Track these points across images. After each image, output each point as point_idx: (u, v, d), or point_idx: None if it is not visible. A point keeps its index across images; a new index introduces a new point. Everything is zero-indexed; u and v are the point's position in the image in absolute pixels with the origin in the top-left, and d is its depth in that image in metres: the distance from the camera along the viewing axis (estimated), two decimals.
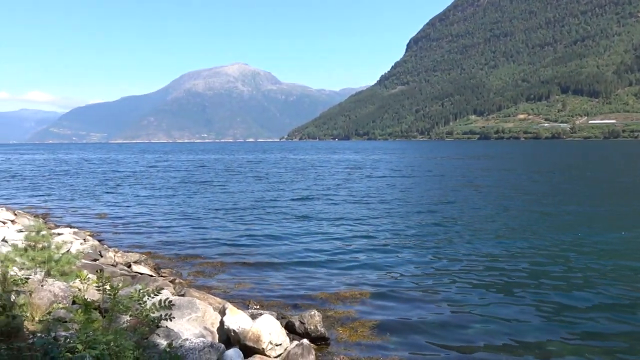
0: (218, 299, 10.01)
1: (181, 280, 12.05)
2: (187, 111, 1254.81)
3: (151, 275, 12.24)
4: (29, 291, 6.56)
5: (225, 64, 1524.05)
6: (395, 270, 12.97)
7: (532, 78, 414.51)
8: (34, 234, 9.30)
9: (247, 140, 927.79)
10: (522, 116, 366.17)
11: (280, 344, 7.36)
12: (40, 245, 9.23)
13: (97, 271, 10.84)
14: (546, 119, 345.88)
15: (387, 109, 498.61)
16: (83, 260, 11.14)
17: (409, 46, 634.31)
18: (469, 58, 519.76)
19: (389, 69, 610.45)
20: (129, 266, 13.14)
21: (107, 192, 33.89)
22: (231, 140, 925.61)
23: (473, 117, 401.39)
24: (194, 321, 7.59)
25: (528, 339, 8.61)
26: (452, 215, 21.77)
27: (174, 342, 6.12)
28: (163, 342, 6.09)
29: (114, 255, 13.96)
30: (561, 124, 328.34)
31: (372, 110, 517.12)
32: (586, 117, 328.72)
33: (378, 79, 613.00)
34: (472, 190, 31.92)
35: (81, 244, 14.76)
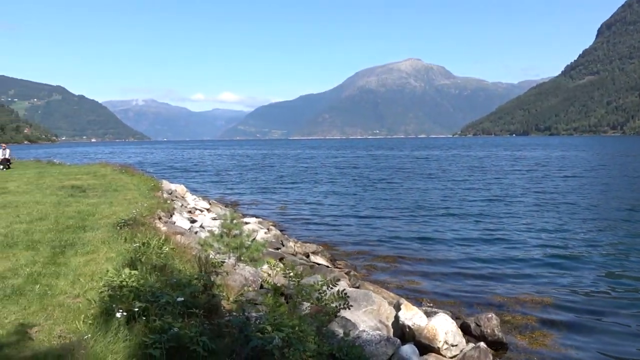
0: (392, 294, 10.10)
1: (356, 273, 12.37)
2: (360, 108, 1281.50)
3: (327, 266, 12.80)
4: (225, 273, 7.27)
5: (398, 60, 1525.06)
6: (583, 281, 11.81)
7: None
8: (228, 221, 10.28)
9: (419, 136, 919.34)
10: None
11: (456, 345, 7.19)
12: (233, 233, 10.17)
13: (279, 259, 11.65)
14: None
15: (572, 101, 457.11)
16: (268, 249, 12.03)
17: (600, 32, 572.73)
18: None
19: (575, 58, 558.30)
20: (308, 256, 13.87)
21: (287, 186, 36.23)
22: (402, 137, 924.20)
23: None
24: (369, 313, 7.76)
25: None
26: None
27: (351, 332, 6.32)
28: (341, 331, 6.33)
29: (294, 245, 14.85)
30: None
31: (555, 103, 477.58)
32: None
33: (562, 69, 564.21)
34: None
35: (265, 233, 15.95)
